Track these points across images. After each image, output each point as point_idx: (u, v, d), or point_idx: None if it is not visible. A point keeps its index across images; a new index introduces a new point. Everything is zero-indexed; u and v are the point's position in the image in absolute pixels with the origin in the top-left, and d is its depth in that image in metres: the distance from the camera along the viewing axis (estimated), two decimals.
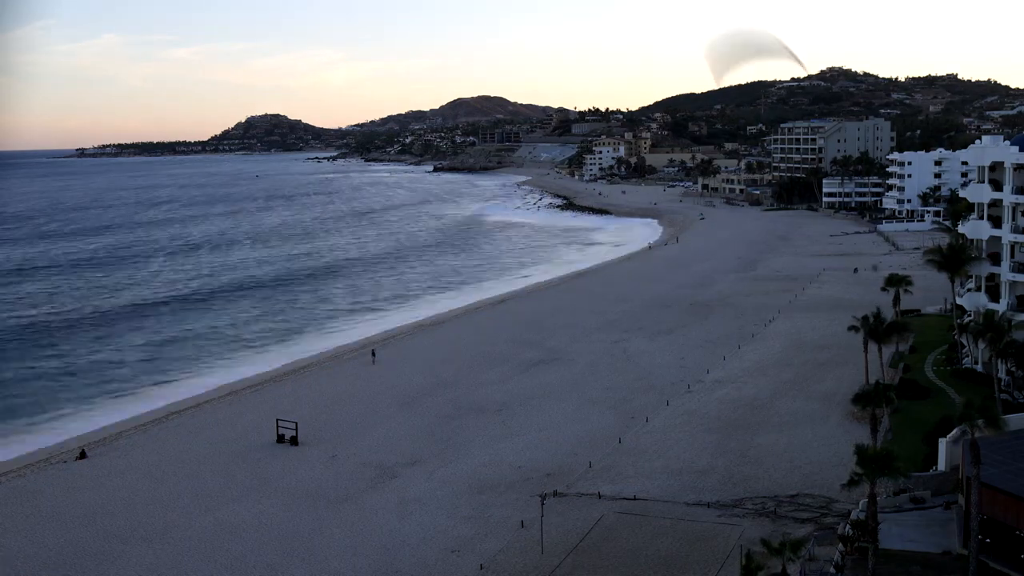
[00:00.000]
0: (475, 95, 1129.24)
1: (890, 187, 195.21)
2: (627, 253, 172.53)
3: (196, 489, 57.13)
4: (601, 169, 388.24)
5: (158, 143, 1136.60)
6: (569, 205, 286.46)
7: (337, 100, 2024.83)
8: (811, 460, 55.93)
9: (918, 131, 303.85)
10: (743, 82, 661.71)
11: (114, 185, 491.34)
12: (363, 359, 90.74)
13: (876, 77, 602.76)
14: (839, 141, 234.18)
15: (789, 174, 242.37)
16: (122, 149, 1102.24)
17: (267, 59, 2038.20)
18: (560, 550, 45.66)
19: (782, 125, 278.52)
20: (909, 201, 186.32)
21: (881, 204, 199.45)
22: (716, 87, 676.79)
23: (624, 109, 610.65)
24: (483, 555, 46.00)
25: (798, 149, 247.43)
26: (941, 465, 46.07)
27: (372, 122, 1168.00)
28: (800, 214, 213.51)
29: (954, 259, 70.44)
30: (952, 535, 41.09)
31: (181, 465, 61.76)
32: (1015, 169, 66.13)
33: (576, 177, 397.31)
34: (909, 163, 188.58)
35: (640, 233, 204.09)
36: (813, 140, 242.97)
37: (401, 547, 47.59)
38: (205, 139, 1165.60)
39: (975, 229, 70.70)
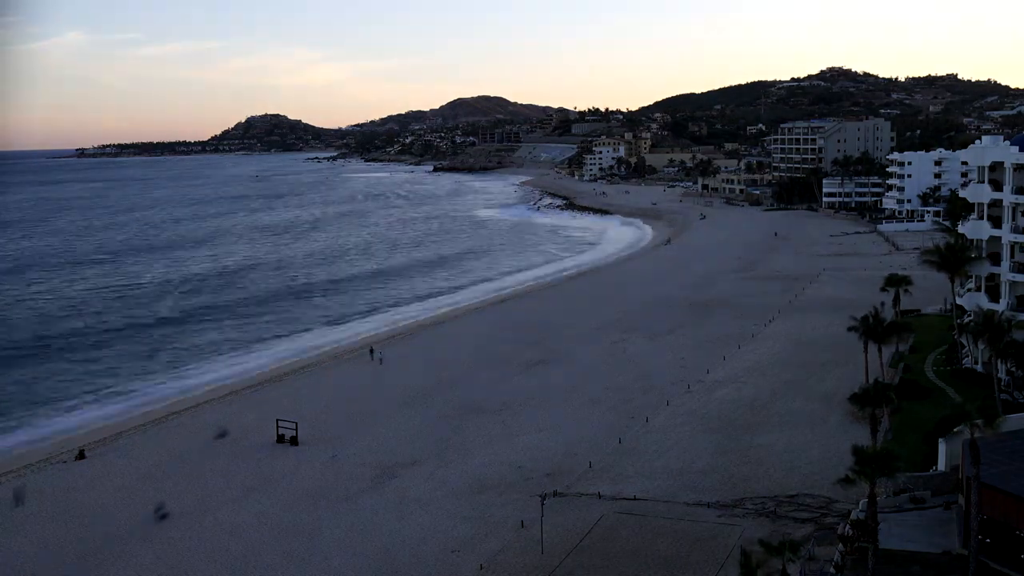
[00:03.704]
0: (475, 95, 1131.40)
1: (890, 187, 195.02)
2: (627, 253, 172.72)
3: (196, 489, 57.15)
4: (601, 169, 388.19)
5: (158, 143, 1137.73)
6: (569, 205, 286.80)
7: (337, 100, 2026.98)
8: (811, 460, 55.87)
9: (918, 131, 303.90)
10: (743, 82, 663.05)
11: None
12: (363, 359, 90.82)
13: (876, 77, 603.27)
14: (839, 141, 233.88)
15: (789, 174, 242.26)
16: (122, 149, 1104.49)
17: (261, 59, 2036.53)
18: (560, 550, 45.63)
19: (782, 125, 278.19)
20: (909, 201, 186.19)
21: (881, 204, 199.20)
22: (716, 87, 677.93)
23: (624, 109, 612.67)
24: (483, 555, 45.97)
25: (798, 149, 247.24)
26: (941, 465, 46.04)
27: (372, 122, 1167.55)
28: (800, 214, 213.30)
29: (953, 259, 70.41)
30: (952, 535, 41.06)
31: (181, 465, 61.79)
32: (1015, 169, 66.15)
33: (576, 177, 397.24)
34: (909, 163, 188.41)
35: (640, 233, 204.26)
36: (813, 140, 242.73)
37: (401, 547, 47.57)
38: (205, 139, 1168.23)
39: (975, 229, 70.68)
